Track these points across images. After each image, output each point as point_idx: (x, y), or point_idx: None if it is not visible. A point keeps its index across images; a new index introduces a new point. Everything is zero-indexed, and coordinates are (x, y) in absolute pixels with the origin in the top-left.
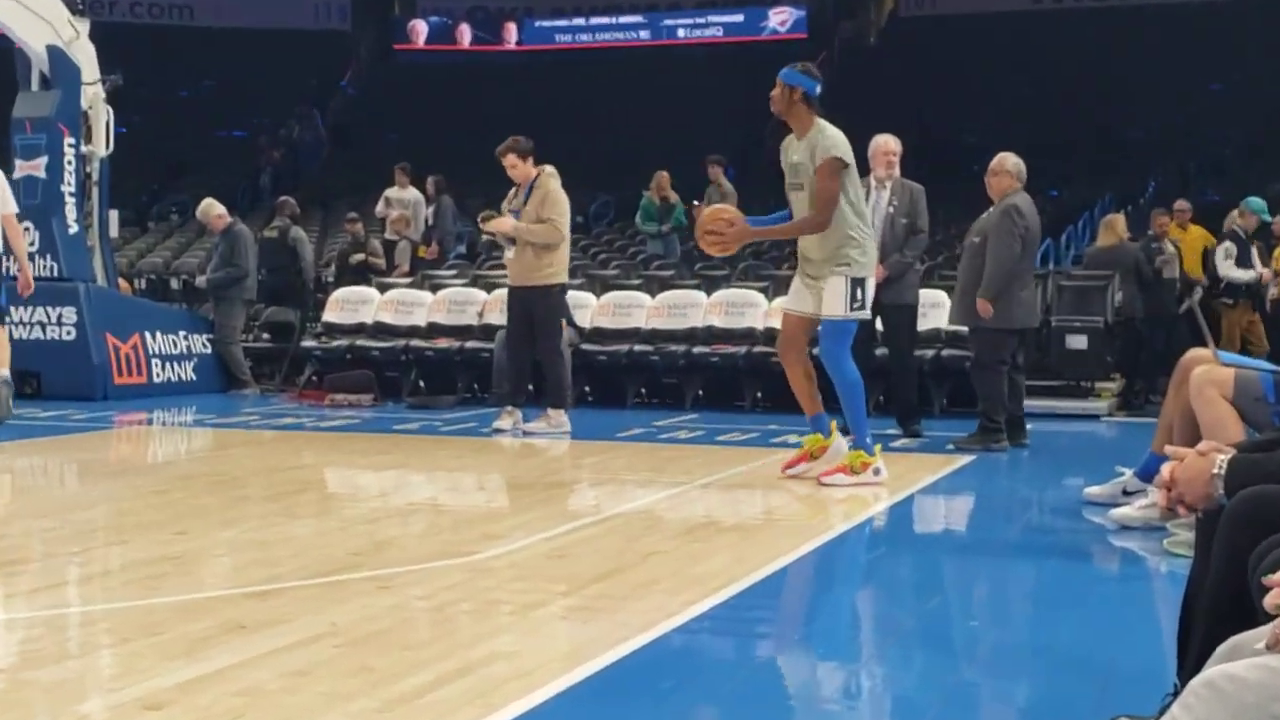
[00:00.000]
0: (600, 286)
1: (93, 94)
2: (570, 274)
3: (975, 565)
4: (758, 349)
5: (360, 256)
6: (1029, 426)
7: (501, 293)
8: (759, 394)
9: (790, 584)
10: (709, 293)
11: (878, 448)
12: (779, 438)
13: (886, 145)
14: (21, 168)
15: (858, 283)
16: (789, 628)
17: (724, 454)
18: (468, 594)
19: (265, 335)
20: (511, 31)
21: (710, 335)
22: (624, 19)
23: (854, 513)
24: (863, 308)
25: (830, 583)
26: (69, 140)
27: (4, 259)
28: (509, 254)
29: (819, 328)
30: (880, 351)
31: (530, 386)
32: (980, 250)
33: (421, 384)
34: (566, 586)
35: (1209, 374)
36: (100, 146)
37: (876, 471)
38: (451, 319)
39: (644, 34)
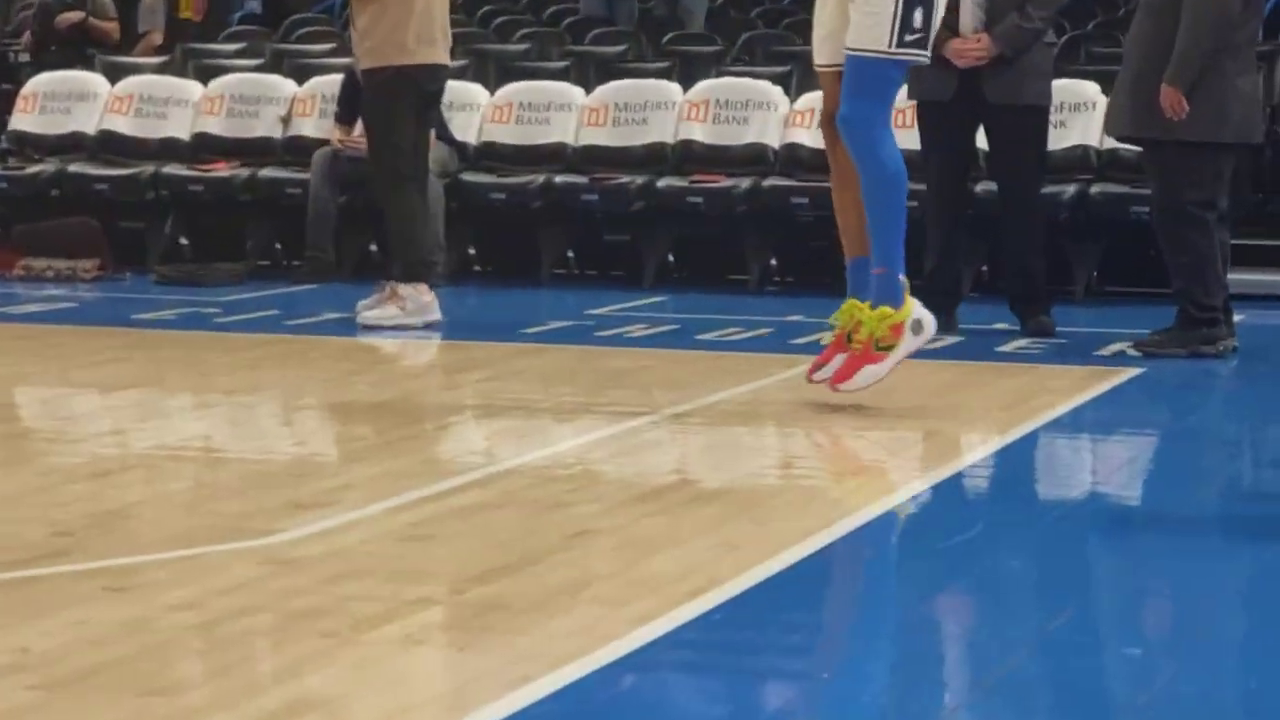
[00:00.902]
0: (497, 72)
1: None
2: (439, 49)
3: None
4: (770, 182)
5: (76, 16)
6: (1237, 317)
7: (324, 81)
8: (770, 261)
9: (816, 593)
10: (686, 84)
11: (905, 283)
12: (804, 337)
13: None
14: None
15: (914, 2)
16: (813, 665)
17: (707, 366)
18: (260, 601)
19: None
20: None
21: (688, 158)
22: None
23: (932, 462)
24: (921, 45)
25: (885, 594)
26: None
27: None
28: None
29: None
30: (982, 187)
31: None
32: (1166, 7)
33: (184, 242)
34: (431, 590)
35: None
36: None
37: (916, 328)
38: (236, 129)
39: None
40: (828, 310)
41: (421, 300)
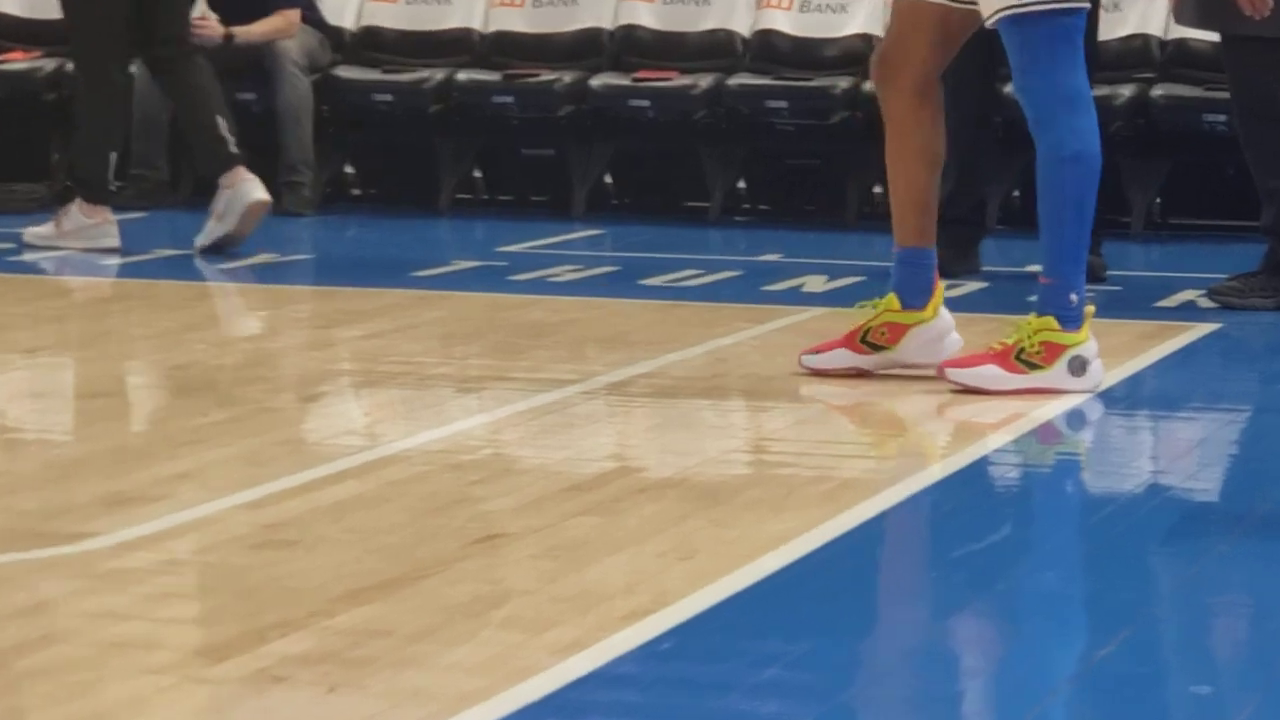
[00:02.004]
0: None
1: None
2: None
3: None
4: (738, 80)
5: None
6: None
7: None
8: (737, 184)
9: (796, 616)
10: None
11: (1089, 311)
12: (781, 281)
13: None
14: None
15: None
16: (791, 709)
17: (654, 319)
18: (67, 627)
19: None
20: None
21: (631, 49)
22: None
23: (947, 446)
24: None
25: (886, 617)
26: None
27: None
28: None
29: (993, 23)
30: (1011, 89)
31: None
32: None
33: None
34: (293, 612)
35: None
36: None
37: (1077, 367)
38: (38, 7)
39: None
40: (809, 246)
41: (84, 221)
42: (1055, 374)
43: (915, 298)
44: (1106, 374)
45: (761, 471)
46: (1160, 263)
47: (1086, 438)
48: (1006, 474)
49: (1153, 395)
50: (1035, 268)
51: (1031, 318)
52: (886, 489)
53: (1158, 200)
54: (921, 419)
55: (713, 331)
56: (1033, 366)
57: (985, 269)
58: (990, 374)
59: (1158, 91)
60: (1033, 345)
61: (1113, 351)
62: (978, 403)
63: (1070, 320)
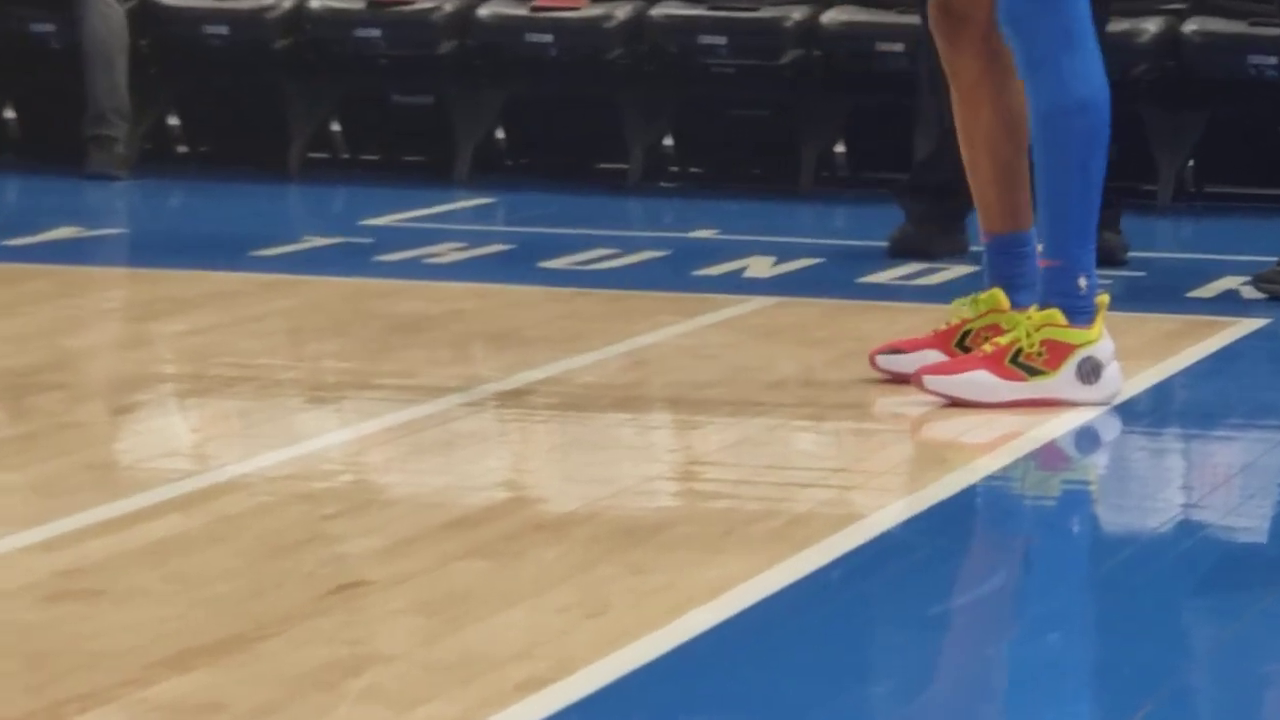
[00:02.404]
0: None
1: None
2: None
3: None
4: (663, 10)
5: None
6: None
7: None
8: (663, 140)
9: (734, 687)
10: None
11: (1102, 302)
12: (720, 263)
13: None
14: None
15: None
16: None
17: (557, 311)
18: None
19: None
20: None
21: None
22: None
23: (926, 471)
24: None
25: (846, 689)
26: None
27: None
28: None
29: None
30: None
31: None
32: None
33: None
34: (98, 681)
35: None
36: None
37: (1091, 372)
38: None
39: None
40: (753, 219)
41: None
42: (1061, 381)
43: (1019, 290)
44: (1125, 381)
45: (692, 504)
46: (1194, 242)
47: (1100, 462)
48: (999, 509)
49: (1184, 409)
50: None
51: (1031, 311)
52: (848, 527)
53: (1190, 163)
54: (894, 438)
55: (631, 327)
56: (1033, 371)
57: (973, 249)
58: (980, 381)
59: (1190, 27)
60: (1033, 345)
61: (1134, 353)
62: (965, 418)
63: (1079, 313)
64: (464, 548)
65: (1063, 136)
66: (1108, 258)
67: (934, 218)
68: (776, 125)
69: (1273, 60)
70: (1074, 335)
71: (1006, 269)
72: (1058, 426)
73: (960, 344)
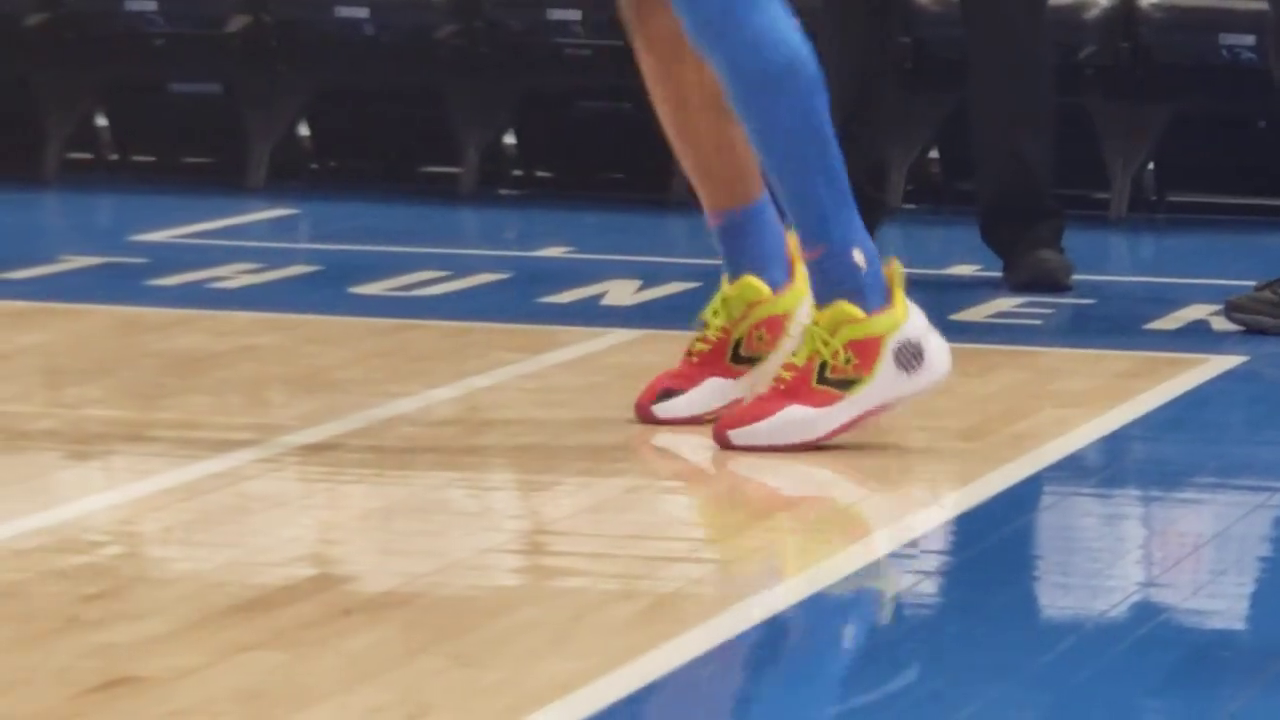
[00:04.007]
0: None
1: None
2: None
3: None
4: None
5: None
6: None
7: None
8: (503, 139)
9: None
10: None
11: (894, 272)
12: (573, 289)
13: None
14: None
15: None
16: None
17: (372, 347)
18: None
19: None
20: None
21: None
22: None
23: (829, 542)
24: None
25: None
26: None
27: None
28: None
29: None
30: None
31: None
32: None
33: None
34: None
35: None
36: None
37: (912, 357)
38: None
39: None
40: (612, 234)
41: None
42: (882, 381)
43: (775, 272)
44: (1066, 432)
45: (536, 583)
46: (1154, 263)
47: (1037, 529)
48: (911, 585)
49: (1141, 466)
50: (969, 267)
51: (815, 315)
52: (722, 611)
53: (1150, 167)
54: (778, 497)
55: (463, 366)
56: (846, 384)
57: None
58: (794, 418)
59: (1146, 0)
60: (834, 353)
61: (1081, 398)
62: (886, 470)
63: (871, 294)
64: (256, 636)
65: (774, 108)
66: (1047, 281)
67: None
68: (641, 119)
69: (1249, 40)
70: (876, 324)
71: (752, 249)
72: (981, 486)
73: (735, 356)
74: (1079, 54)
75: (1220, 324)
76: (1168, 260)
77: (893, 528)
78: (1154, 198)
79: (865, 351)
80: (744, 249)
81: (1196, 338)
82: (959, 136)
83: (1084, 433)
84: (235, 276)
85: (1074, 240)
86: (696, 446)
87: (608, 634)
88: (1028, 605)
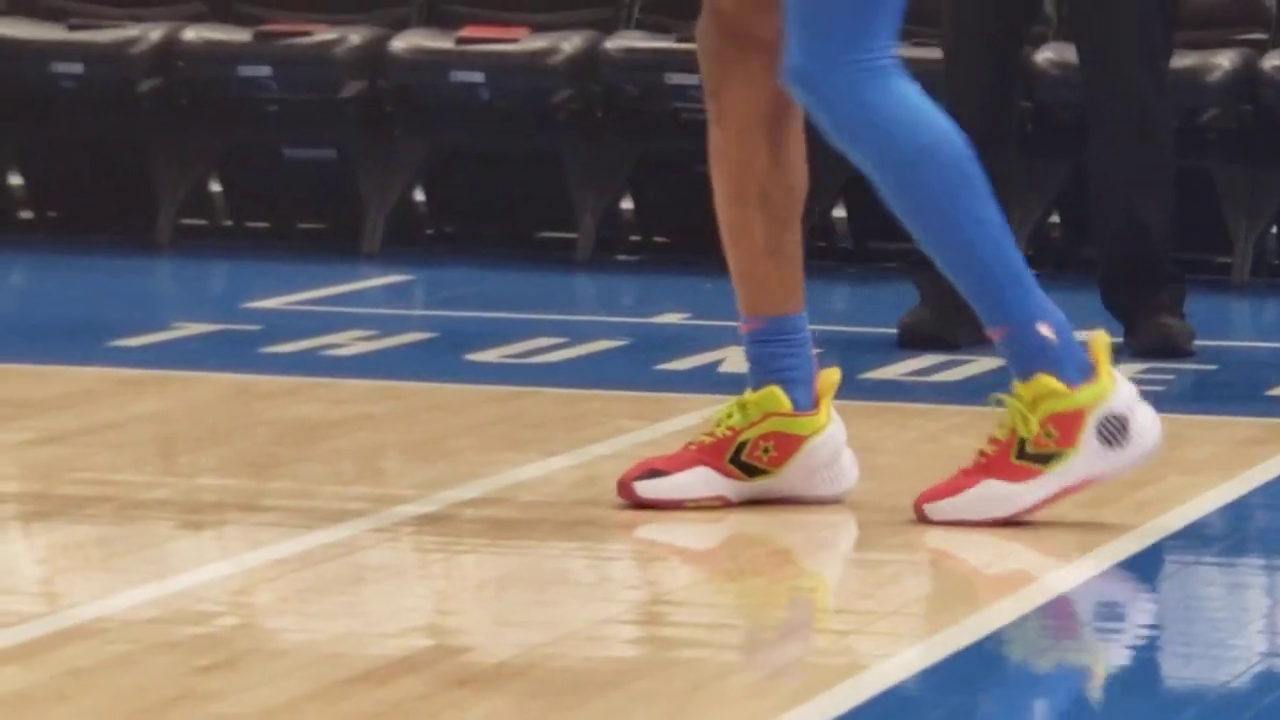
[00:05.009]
0: None
1: None
2: None
3: None
4: (621, 43)
5: None
6: None
7: None
8: (619, 204)
9: None
10: None
11: (1098, 342)
12: (692, 355)
13: None
14: None
15: None
16: None
17: (492, 414)
18: None
19: None
20: None
21: None
22: None
23: (956, 613)
24: None
25: None
26: None
27: None
28: None
29: None
30: (1049, 56)
31: None
32: None
33: None
34: None
35: None
36: None
37: (1116, 431)
38: None
39: None
40: (730, 300)
41: None
42: (1085, 456)
43: (801, 397)
44: (1188, 499)
45: (655, 654)
46: (1277, 327)
47: (1160, 599)
48: (1033, 657)
49: (1264, 534)
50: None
51: (1018, 389)
52: (845, 680)
53: (1273, 230)
54: (903, 571)
55: (581, 435)
56: (1048, 458)
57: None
58: (992, 494)
59: (1273, 62)
60: (1035, 428)
61: (1203, 465)
62: (983, 540)
63: (1071, 367)
64: (372, 708)
65: (922, 190)
66: (1168, 347)
67: (955, 296)
68: None
69: None
70: (1078, 397)
71: (781, 361)
72: (1106, 554)
73: (735, 459)
74: (1201, 116)
75: None
76: None
77: (1013, 597)
78: (1277, 261)
79: (1067, 425)
80: (774, 359)
81: None
82: (1079, 200)
83: (1206, 500)
84: (350, 343)
85: (1196, 305)
86: (816, 516)
87: (726, 705)
88: (1150, 675)
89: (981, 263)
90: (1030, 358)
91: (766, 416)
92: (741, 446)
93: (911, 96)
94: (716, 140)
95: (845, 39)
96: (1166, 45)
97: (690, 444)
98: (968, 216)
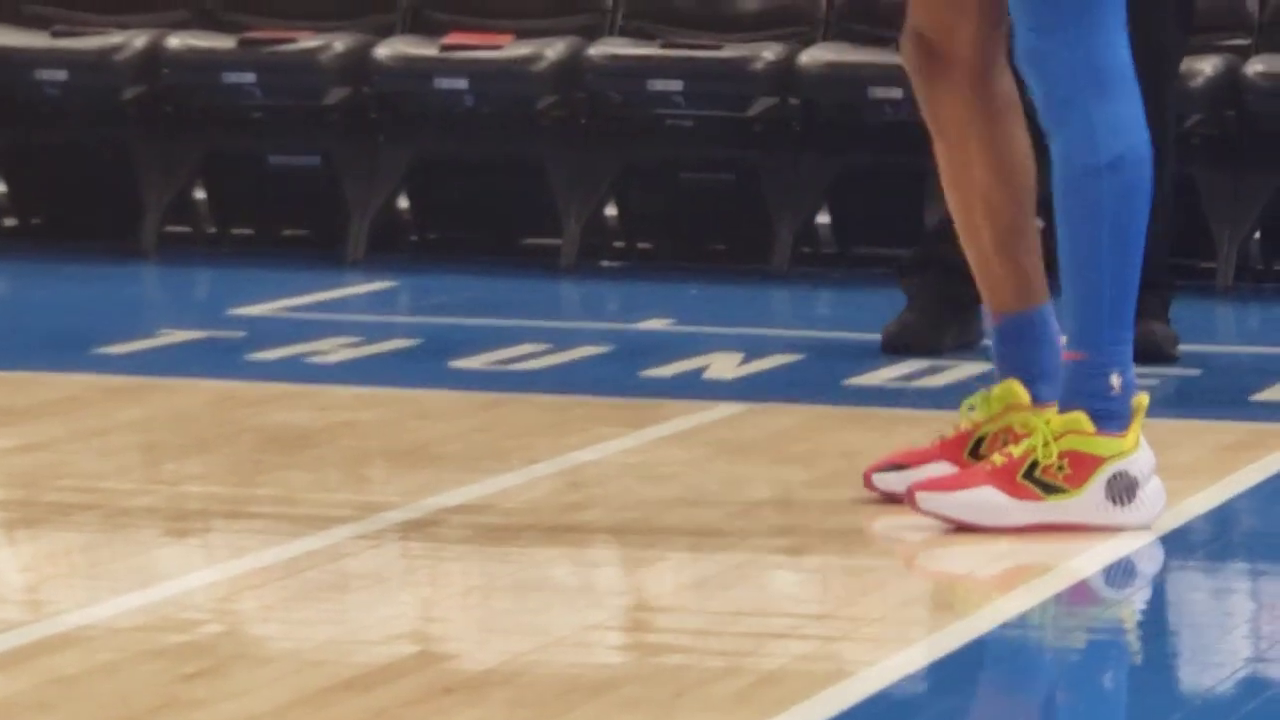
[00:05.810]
0: None
1: None
2: None
3: None
4: (603, 49)
5: None
6: None
7: None
8: (602, 210)
9: None
10: None
11: (1140, 405)
12: (676, 362)
13: None
14: None
15: None
16: None
17: (477, 421)
18: None
19: None
20: None
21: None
22: None
23: (935, 622)
24: None
25: None
26: None
27: None
28: None
29: None
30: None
31: None
32: None
33: None
34: None
35: None
36: None
37: (1125, 491)
38: None
39: None
40: (716, 307)
41: None
42: (1086, 501)
43: (1040, 383)
44: (1173, 504)
45: (640, 660)
46: (1260, 333)
47: (1144, 604)
48: (1019, 663)
49: (1248, 538)
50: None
51: (1050, 414)
52: (832, 686)
53: (1255, 236)
54: (888, 577)
55: (565, 441)
56: (1051, 489)
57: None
58: (986, 501)
59: (1256, 68)
60: (1051, 457)
61: (1186, 469)
62: (975, 547)
63: (1110, 418)
64: (357, 715)
65: (1091, 201)
66: (1153, 352)
67: (942, 302)
68: (745, 190)
69: None
70: (1103, 445)
71: (1022, 355)
72: (1091, 559)
73: (973, 453)
74: (1184, 123)
75: None
76: (1274, 330)
77: (996, 603)
78: (1260, 267)
79: (1081, 466)
80: (1016, 353)
81: None
82: None
83: (1191, 505)
84: (335, 350)
85: (1180, 311)
86: (797, 521)
87: (711, 712)
88: (1135, 679)
89: (1102, 289)
90: (1084, 395)
91: (1007, 409)
92: (980, 441)
93: (1125, 108)
94: (939, 151)
95: (1073, 17)
96: (1176, 55)
97: (941, 437)
98: (1113, 242)
